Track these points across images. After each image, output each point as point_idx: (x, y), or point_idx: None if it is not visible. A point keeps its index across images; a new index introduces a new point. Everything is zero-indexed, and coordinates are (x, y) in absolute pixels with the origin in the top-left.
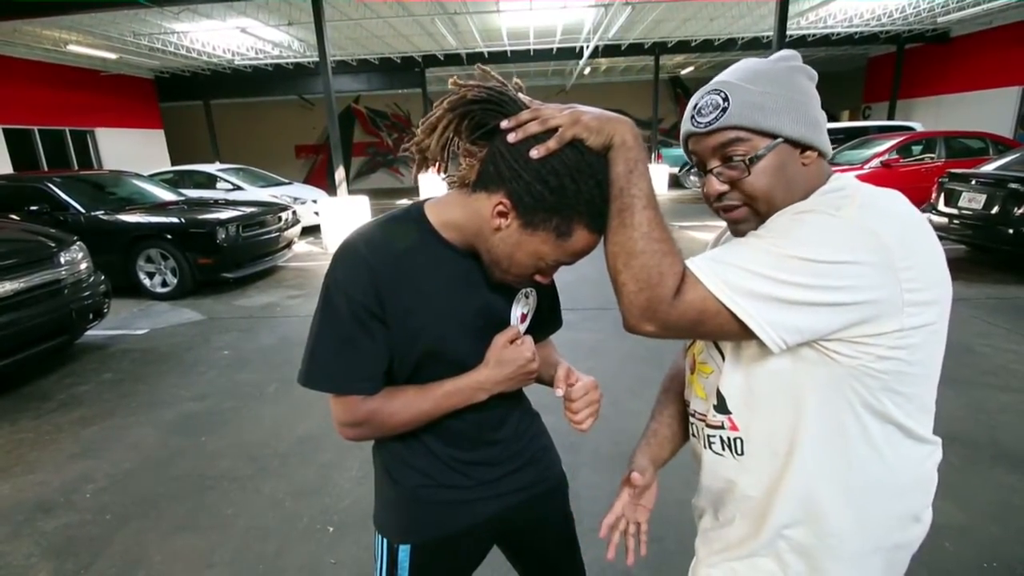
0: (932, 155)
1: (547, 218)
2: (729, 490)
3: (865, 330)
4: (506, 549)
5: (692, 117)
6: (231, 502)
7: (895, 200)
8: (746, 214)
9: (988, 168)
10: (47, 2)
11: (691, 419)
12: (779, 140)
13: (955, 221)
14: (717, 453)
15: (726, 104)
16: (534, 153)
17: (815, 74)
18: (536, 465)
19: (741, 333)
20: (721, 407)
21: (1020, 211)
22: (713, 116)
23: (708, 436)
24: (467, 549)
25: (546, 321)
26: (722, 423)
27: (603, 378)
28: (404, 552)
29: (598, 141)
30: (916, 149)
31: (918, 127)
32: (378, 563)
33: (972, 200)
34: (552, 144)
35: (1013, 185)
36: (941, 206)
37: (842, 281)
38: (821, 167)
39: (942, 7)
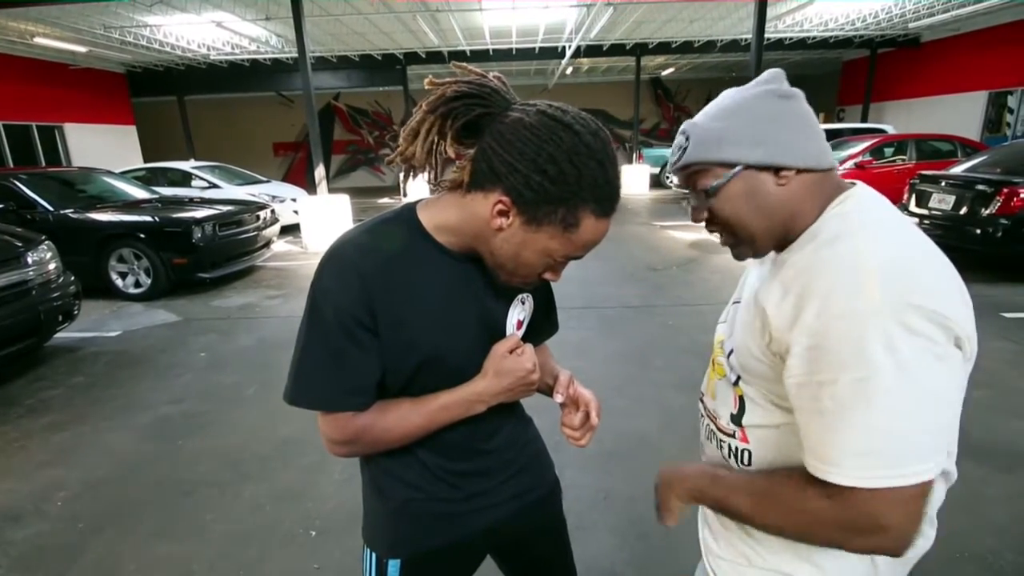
0: (903, 157)
1: (551, 211)
2: None
3: None
4: (498, 558)
5: (669, 159)
6: (210, 508)
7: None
8: (731, 241)
9: (957, 170)
10: None
11: (701, 414)
12: (738, 168)
13: (926, 221)
14: (725, 457)
15: (687, 143)
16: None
17: (794, 92)
18: (529, 472)
19: None
20: (736, 419)
21: (987, 212)
22: (677, 157)
23: (720, 440)
24: (459, 561)
25: (541, 326)
26: (734, 432)
27: (588, 377)
28: (394, 567)
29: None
30: (888, 151)
31: (890, 129)
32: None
33: (942, 201)
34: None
35: (980, 187)
36: (912, 207)
37: None
38: (809, 182)
39: (913, 13)
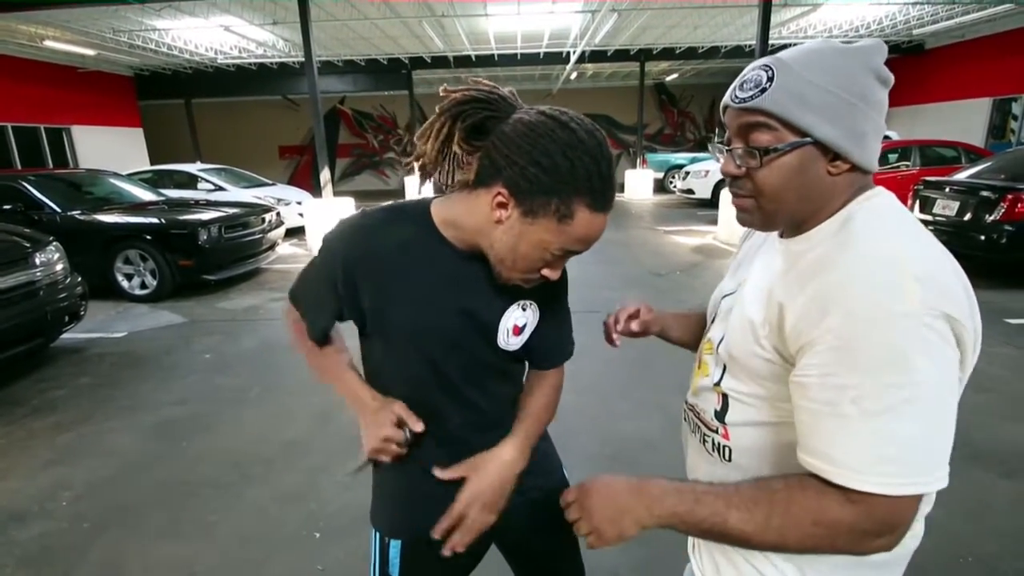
0: (907, 163)
1: (546, 202)
2: None
3: None
4: (504, 551)
5: (734, 89)
6: (213, 509)
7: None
8: (751, 206)
9: (961, 176)
10: None
11: (685, 409)
12: (807, 140)
13: (929, 227)
14: (708, 452)
15: (768, 85)
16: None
17: (891, 79)
18: (533, 470)
19: None
20: (719, 416)
21: (991, 218)
22: (750, 94)
23: (704, 435)
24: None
25: (548, 347)
26: (717, 428)
27: (590, 380)
28: (395, 548)
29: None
30: (892, 157)
31: (894, 136)
32: (372, 558)
33: (946, 207)
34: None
35: (984, 193)
36: (916, 213)
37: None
38: (852, 180)
39: (917, 20)
